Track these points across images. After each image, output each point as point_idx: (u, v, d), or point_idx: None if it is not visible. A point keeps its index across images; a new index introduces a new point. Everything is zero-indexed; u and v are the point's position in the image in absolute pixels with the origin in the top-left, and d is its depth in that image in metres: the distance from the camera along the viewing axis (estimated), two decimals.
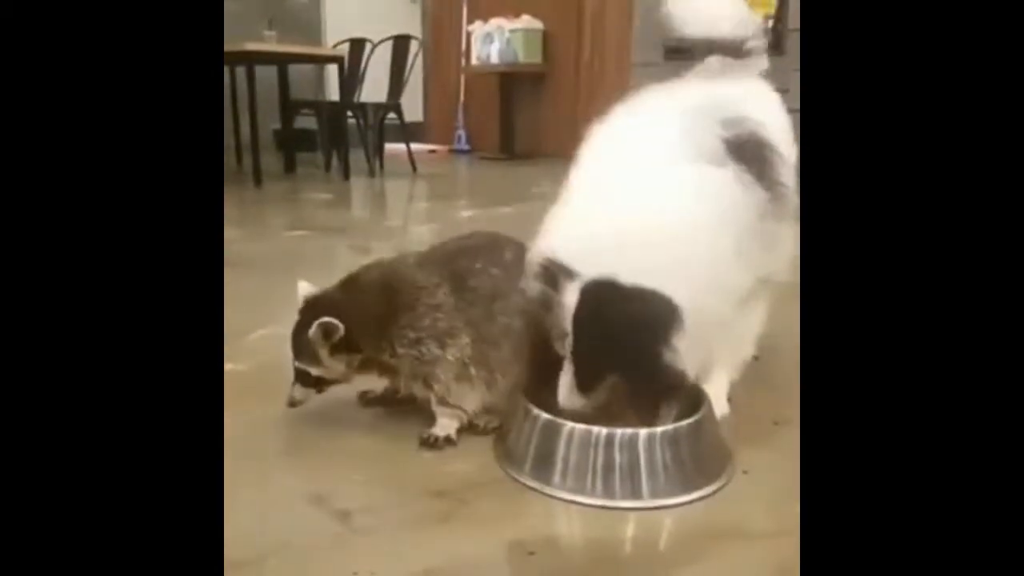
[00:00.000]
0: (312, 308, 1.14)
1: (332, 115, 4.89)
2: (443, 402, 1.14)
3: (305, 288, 1.18)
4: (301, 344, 1.14)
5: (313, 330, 1.10)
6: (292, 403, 1.18)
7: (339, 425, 1.24)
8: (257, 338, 1.66)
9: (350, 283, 1.18)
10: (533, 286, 0.98)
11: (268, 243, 2.82)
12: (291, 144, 4.95)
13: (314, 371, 1.15)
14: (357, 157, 4.76)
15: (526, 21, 5.71)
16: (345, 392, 1.36)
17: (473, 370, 1.11)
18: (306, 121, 5.27)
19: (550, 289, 0.96)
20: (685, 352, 0.95)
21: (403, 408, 1.23)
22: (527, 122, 6.10)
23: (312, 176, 4.80)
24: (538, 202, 4.03)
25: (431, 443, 1.13)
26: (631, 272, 0.92)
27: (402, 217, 3.78)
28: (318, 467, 1.09)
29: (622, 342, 0.95)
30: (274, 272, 2.30)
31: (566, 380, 1.01)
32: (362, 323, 1.12)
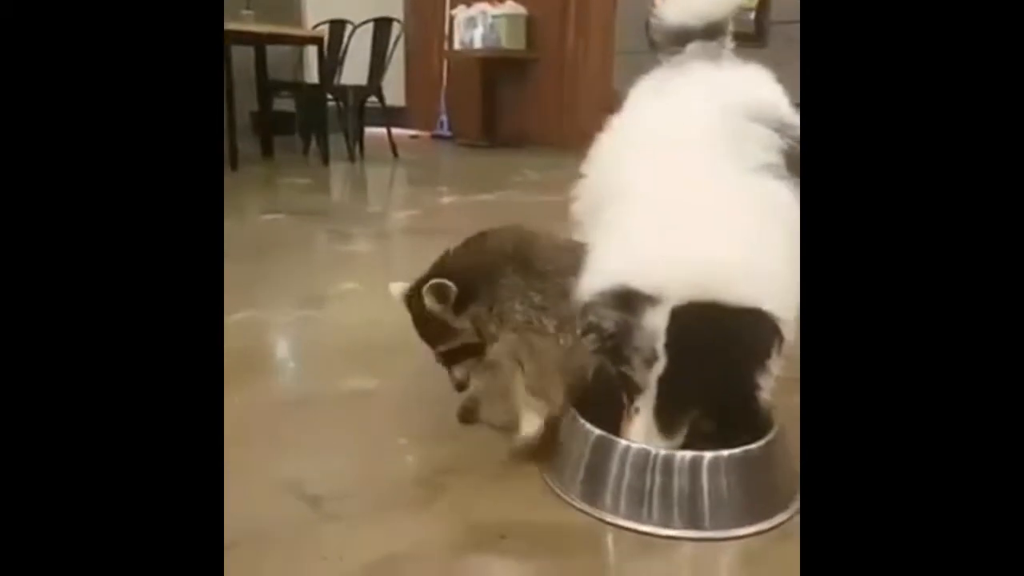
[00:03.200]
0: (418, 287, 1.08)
1: (311, 98, 4.83)
2: (532, 390, 1.06)
3: (397, 288, 1.13)
4: (430, 327, 1.08)
5: (427, 299, 1.03)
6: (460, 386, 1.11)
7: (318, 414, 1.23)
8: (234, 322, 1.64)
9: (475, 240, 1.14)
10: (606, 314, 0.89)
11: (244, 227, 2.79)
12: (269, 127, 4.88)
13: (455, 343, 1.08)
14: (336, 141, 4.71)
15: (510, 6, 5.67)
16: (326, 384, 1.35)
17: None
18: (284, 104, 5.20)
19: (628, 316, 0.88)
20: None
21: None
22: (510, 109, 6.07)
23: (290, 160, 4.75)
24: (520, 190, 3.99)
25: (521, 446, 1.06)
26: (724, 294, 0.85)
27: (382, 203, 3.75)
28: (293, 454, 1.08)
29: (721, 365, 0.87)
30: (250, 256, 2.27)
31: (644, 418, 0.91)
32: (481, 271, 1.06)
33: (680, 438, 0.92)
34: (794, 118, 1.05)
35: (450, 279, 1.04)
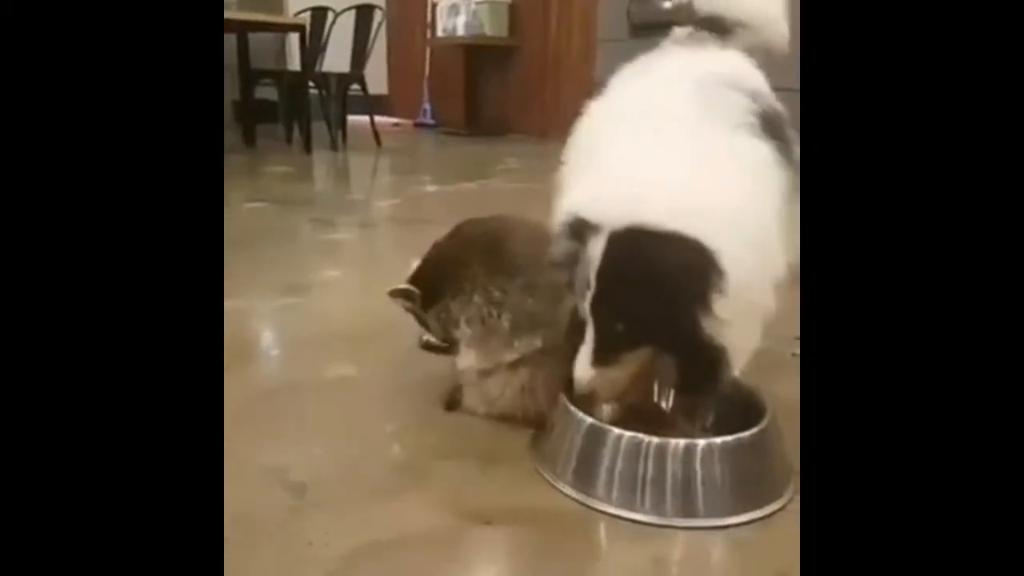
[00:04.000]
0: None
1: (293, 86, 4.79)
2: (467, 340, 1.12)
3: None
4: (415, 318, 1.18)
5: (396, 302, 1.14)
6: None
7: (302, 402, 1.23)
8: None
9: (455, 230, 1.19)
10: (560, 244, 0.91)
11: (227, 216, 2.76)
12: (251, 115, 4.84)
13: (436, 339, 1.18)
14: (319, 130, 4.68)
15: None
16: (310, 371, 1.35)
17: (519, 376, 1.08)
18: (266, 92, 5.15)
19: (578, 244, 0.89)
20: (728, 330, 0.85)
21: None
22: (493, 97, 6.05)
23: (272, 148, 4.71)
24: (502, 178, 3.97)
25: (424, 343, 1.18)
26: (659, 222, 0.83)
27: (365, 191, 3.73)
28: (278, 441, 1.08)
29: (651, 293, 0.85)
30: (233, 245, 2.25)
31: (585, 351, 0.90)
32: (447, 266, 1.13)
33: (621, 374, 0.91)
34: (767, 90, 1.06)
35: (423, 275, 1.14)
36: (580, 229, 0.89)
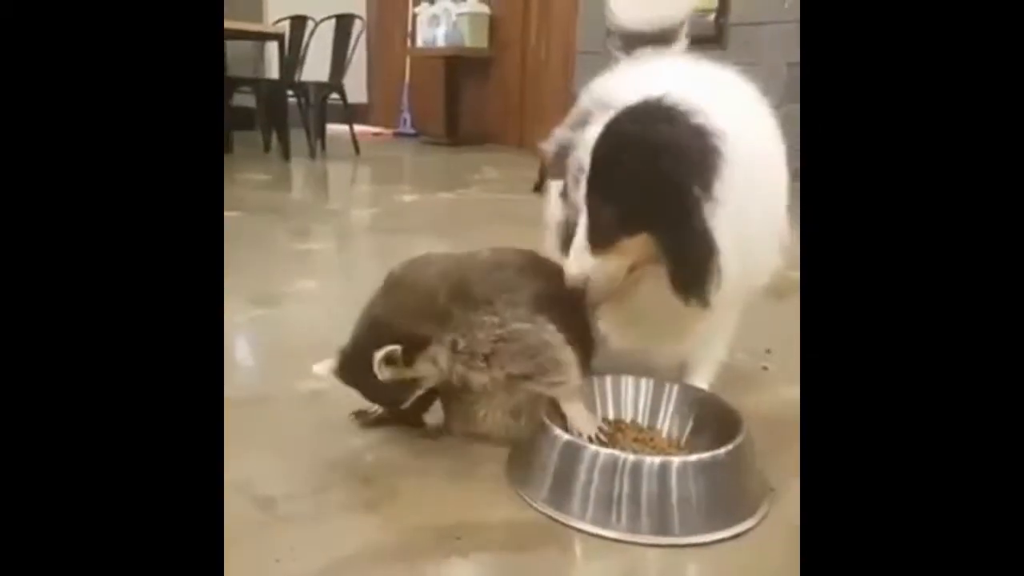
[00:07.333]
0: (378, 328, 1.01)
1: (271, 94, 4.76)
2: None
3: (324, 368, 1.06)
4: (386, 391, 1.02)
5: (377, 366, 0.97)
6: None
7: (273, 415, 1.21)
8: None
9: (407, 276, 1.05)
10: (560, 134, 0.90)
11: None
12: (228, 123, 4.79)
13: (419, 390, 1.03)
14: (298, 138, 4.65)
15: (473, 5, 5.66)
16: (282, 384, 1.33)
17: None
18: (244, 99, 5.12)
19: (580, 129, 0.87)
20: (727, 235, 0.84)
21: (406, 427, 1.13)
22: (472, 107, 6.06)
23: (250, 156, 4.67)
24: (479, 188, 3.98)
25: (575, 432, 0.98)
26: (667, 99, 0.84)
27: (343, 200, 3.72)
28: (247, 454, 1.06)
29: (648, 166, 0.82)
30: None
31: (578, 240, 0.87)
32: (424, 312, 0.99)
33: (614, 262, 0.90)
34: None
35: (393, 327, 0.98)
36: (587, 114, 0.88)
